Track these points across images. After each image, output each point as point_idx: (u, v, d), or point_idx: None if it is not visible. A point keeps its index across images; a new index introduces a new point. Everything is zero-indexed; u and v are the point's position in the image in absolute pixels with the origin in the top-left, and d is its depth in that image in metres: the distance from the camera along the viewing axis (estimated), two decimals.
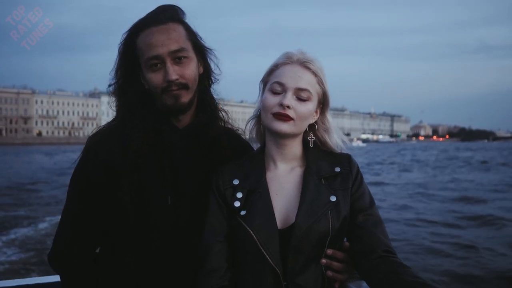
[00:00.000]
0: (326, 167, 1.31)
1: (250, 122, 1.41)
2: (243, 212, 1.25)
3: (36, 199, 15.42)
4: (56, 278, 1.41)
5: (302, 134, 1.34)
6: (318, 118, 1.35)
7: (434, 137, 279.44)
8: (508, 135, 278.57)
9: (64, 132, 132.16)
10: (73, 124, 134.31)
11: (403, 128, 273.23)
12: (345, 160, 1.33)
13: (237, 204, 1.26)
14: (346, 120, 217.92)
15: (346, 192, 1.28)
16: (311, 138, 1.35)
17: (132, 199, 1.30)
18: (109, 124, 1.43)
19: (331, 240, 1.24)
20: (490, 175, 26.31)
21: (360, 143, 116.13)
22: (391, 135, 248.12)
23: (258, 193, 1.27)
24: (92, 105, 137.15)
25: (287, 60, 1.29)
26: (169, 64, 1.31)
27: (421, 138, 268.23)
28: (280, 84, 1.26)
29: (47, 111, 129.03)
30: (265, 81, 1.33)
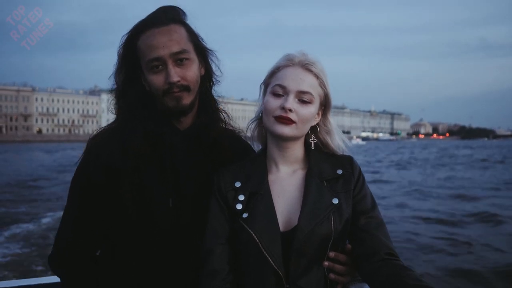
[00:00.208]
0: (328, 169, 1.31)
1: (251, 124, 1.41)
2: (245, 215, 1.25)
3: (37, 196, 15.54)
4: (56, 278, 1.41)
5: (304, 136, 1.34)
6: (320, 120, 1.34)
7: (434, 135, 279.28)
8: (508, 133, 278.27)
9: (64, 130, 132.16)
10: (73, 121, 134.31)
11: (403, 126, 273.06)
12: (347, 162, 1.33)
13: (239, 206, 1.26)
14: (346, 118, 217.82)
15: (348, 194, 1.28)
16: (313, 140, 1.35)
17: (133, 201, 1.30)
18: (109, 126, 1.43)
19: (334, 242, 1.24)
20: (487, 172, 26.42)
21: (359, 141, 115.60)
22: (391, 133, 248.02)
23: (260, 196, 1.27)
24: (92, 103, 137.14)
25: (288, 62, 1.29)
26: (170, 66, 1.30)
27: (421, 136, 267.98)
28: (282, 87, 1.26)
29: (47, 109, 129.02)
30: (266, 83, 1.33)
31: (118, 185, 1.30)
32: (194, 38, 1.38)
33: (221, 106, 1.51)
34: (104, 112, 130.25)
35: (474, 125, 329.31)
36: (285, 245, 1.21)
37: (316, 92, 1.28)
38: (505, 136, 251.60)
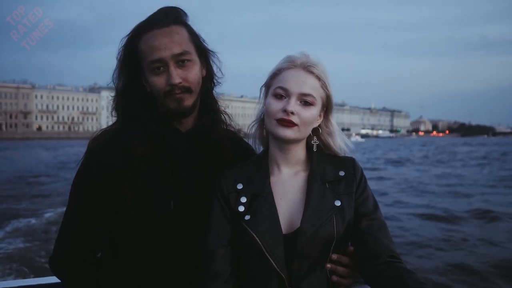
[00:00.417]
0: (331, 171, 1.31)
1: (253, 126, 1.41)
2: (247, 217, 1.24)
3: (38, 191, 15.65)
4: (57, 278, 1.41)
5: (306, 138, 1.34)
6: (322, 121, 1.34)
7: (434, 133, 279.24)
8: (508, 130, 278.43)
9: (64, 127, 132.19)
10: (73, 118, 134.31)
11: (403, 123, 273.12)
12: (349, 164, 1.33)
13: (241, 208, 1.26)
14: (346, 115, 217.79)
15: (350, 196, 1.28)
16: (315, 142, 1.35)
17: (134, 202, 1.29)
18: (110, 127, 1.43)
19: (336, 245, 1.24)
20: (485, 169, 26.58)
21: (358, 139, 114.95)
22: (391, 130, 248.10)
23: (263, 198, 1.26)
24: (92, 100, 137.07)
25: (290, 64, 1.28)
26: (172, 67, 1.30)
27: (421, 133, 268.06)
28: (284, 89, 1.25)
29: (47, 106, 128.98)
30: (268, 85, 1.33)
31: (120, 187, 1.30)
32: (195, 39, 1.38)
33: (222, 107, 1.51)
34: (103, 110, 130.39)
35: (474, 122, 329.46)
36: (288, 248, 1.21)
37: (318, 94, 1.28)
38: (505, 134, 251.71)
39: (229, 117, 1.51)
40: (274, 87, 1.28)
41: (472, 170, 26.20)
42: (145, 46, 1.31)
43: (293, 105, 1.24)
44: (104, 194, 1.32)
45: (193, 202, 1.35)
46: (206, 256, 1.27)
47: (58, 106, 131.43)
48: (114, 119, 1.44)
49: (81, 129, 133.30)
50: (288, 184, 1.31)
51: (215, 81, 1.47)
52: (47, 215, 11.05)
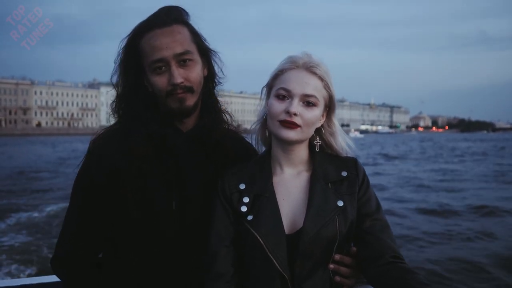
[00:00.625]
0: (333, 171, 1.31)
1: (255, 126, 1.41)
2: (250, 217, 1.24)
3: (39, 187, 15.78)
4: (57, 278, 1.42)
5: (308, 138, 1.34)
6: (324, 121, 1.34)
7: (434, 128, 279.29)
8: (508, 126, 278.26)
9: (63, 123, 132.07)
10: (72, 115, 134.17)
11: (402, 119, 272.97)
12: (352, 164, 1.33)
13: (243, 209, 1.26)
14: (345, 111, 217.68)
15: (353, 196, 1.28)
16: (318, 142, 1.34)
17: (136, 203, 1.29)
18: (111, 127, 1.42)
19: (339, 245, 1.24)
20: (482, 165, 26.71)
21: (357, 134, 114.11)
22: (391, 126, 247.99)
23: (265, 198, 1.26)
24: (91, 96, 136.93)
25: (292, 65, 1.27)
26: (174, 67, 1.29)
27: (421, 129, 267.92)
28: (286, 90, 1.25)
29: (46, 102, 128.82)
30: (270, 85, 1.32)
31: (121, 187, 1.29)
32: (197, 38, 1.37)
33: (224, 107, 1.51)
34: (103, 105, 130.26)
35: (474, 118, 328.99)
36: (290, 248, 1.21)
37: (320, 94, 1.27)
38: (504, 129, 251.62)
39: (230, 116, 1.51)
40: (276, 88, 1.28)
41: (468, 165, 26.33)
42: (146, 45, 1.31)
43: (296, 106, 1.23)
44: (105, 194, 1.31)
45: (195, 202, 1.35)
46: (208, 257, 1.27)
47: (57, 102, 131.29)
48: (114, 115, 1.43)
49: (80, 125, 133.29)
50: (290, 184, 1.31)
51: (216, 80, 1.46)
52: (48, 208, 11.21)
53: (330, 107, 1.33)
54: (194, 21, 1.39)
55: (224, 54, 1.46)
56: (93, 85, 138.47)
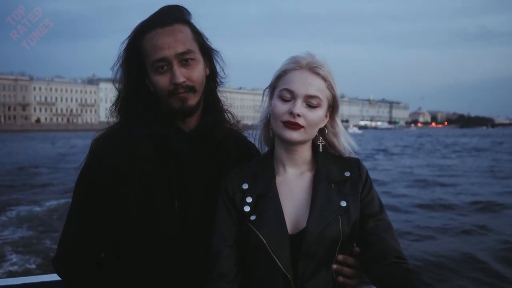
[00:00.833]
0: (336, 171, 1.31)
1: (258, 126, 1.40)
2: (253, 217, 1.24)
3: (39, 182, 15.92)
4: (59, 277, 1.43)
5: (312, 139, 1.34)
6: (328, 122, 1.34)
7: (433, 124, 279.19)
8: (507, 121, 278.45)
9: (62, 119, 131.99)
10: (71, 110, 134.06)
11: (401, 115, 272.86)
12: (355, 164, 1.33)
13: (246, 208, 1.26)
14: (345, 107, 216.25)
15: (356, 197, 1.28)
16: (321, 142, 1.34)
17: (137, 203, 1.29)
18: (113, 127, 1.41)
19: (342, 245, 1.24)
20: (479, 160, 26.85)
21: (355, 130, 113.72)
22: (390, 122, 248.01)
23: (268, 198, 1.26)
24: (91, 92, 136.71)
25: (295, 65, 1.27)
26: (176, 66, 1.29)
27: (420, 124, 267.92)
28: (290, 91, 1.24)
29: (46, 98, 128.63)
30: (273, 86, 1.32)
31: (123, 187, 1.29)
32: (199, 37, 1.37)
33: (226, 106, 1.50)
34: (102, 101, 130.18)
35: (473, 113, 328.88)
36: (293, 248, 1.21)
37: (324, 95, 1.27)
38: (503, 125, 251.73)
39: (232, 116, 1.51)
40: (279, 88, 1.28)
41: (464, 160, 26.46)
42: (148, 45, 1.30)
43: (299, 107, 1.23)
44: (106, 194, 1.31)
45: (197, 202, 1.35)
46: (211, 257, 1.27)
47: (56, 98, 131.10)
48: (116, 115, 1.43)
49: (79, 121, 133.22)
50: (293, 184, 1.31)
51: (218, 80, 1.46)
52: (48, 203, 11.37)
53: (333, 107, 1.33)
54: (196, 20, 1.40)
55: (223, 50, 1.45)
56: (92, 81, 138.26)
